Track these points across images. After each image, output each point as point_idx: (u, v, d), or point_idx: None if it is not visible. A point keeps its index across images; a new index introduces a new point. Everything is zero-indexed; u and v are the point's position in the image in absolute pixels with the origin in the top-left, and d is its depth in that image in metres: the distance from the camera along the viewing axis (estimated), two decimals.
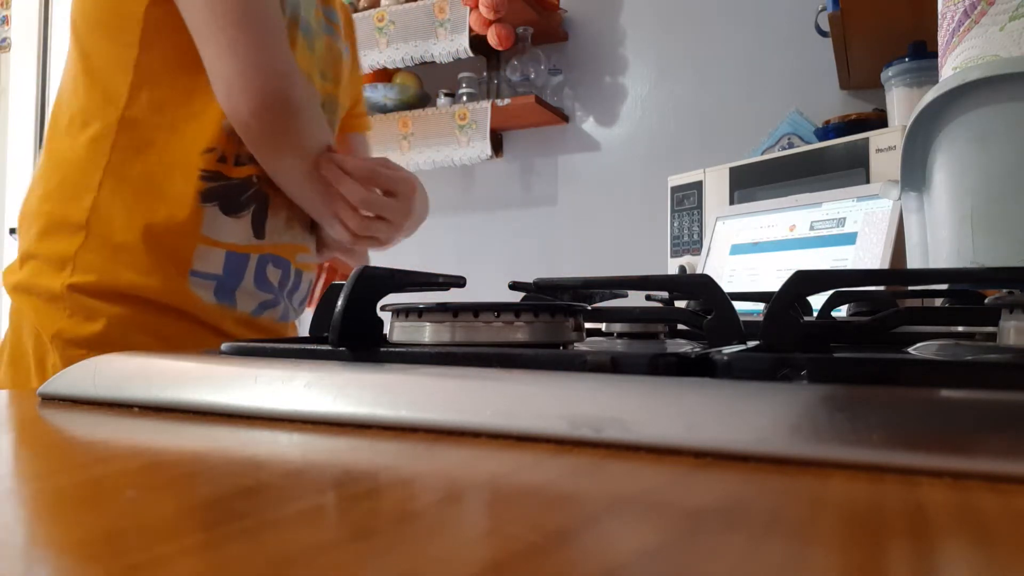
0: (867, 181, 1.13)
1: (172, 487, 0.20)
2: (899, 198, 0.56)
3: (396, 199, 0.79)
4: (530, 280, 0.46)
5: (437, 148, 2.06)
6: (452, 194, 2.24)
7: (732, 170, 1.36)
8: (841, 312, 0.58)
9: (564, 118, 2.10)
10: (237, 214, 0.77)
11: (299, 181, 0.78)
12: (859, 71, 1.61)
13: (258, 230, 0.79)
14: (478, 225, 2.21)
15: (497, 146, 2.14)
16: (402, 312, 0.39)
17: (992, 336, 0.38)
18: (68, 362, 0.68)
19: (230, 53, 0.70)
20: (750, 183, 1.33)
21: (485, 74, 2.15)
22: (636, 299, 0.61)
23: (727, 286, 1.23)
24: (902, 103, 1.29)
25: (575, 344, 0.40)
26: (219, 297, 0.77)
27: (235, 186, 0.77)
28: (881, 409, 0.23)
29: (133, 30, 0.74)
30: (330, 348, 0.36)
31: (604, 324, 0.53)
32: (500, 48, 1.99)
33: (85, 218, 0.74)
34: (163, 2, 0.73)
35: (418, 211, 0.84)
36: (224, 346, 0.41)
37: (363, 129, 1.04)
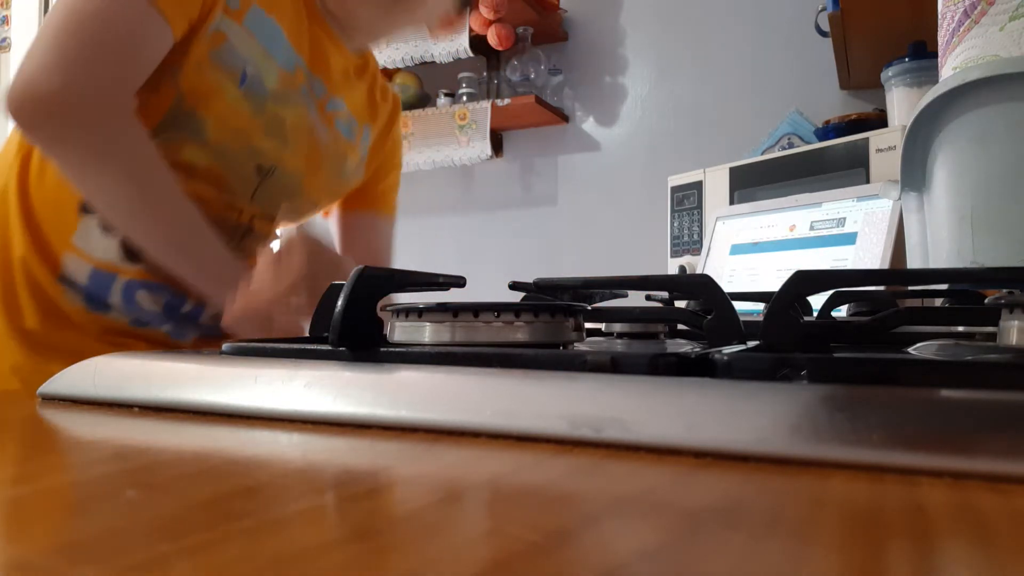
0: (867, 181, 1.13)
1: (172, 487, 0.20)
2: (899, 198, 0.56)
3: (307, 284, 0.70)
4: (530, 280, 0.46)
5: (437, 148, 2.06)
6: (452, 194, 2.24)
7: (732, 170, 1.36)
8: (841, 312, 0.58)
9: (564, 118, 2.10)
10: (112, 232, 0.74)
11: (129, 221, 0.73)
12: (859, 71, 1.62)
13: (131, 253, 0.74)
14: (478, 225, 2.21)
15: (497, 146, 2.14)
16: (402, 312, 0.39)
17: (992, 336, 0.38)
18: None
19: (33, 46, 0.68)
20: (750, 183, 1.33)
21: (485, 74, 2.15)
22: (636, 299, 0.61)
23: (727, 286, 1.23)
24: (902, 103, 1.29)
25: (575, 344, 0.40)
26: (89, 306, 0.75)
27: None
28: (881, 409, 0.23)
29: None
30: (330, 348, 0.36)
31: (604, 324, 0.53)
32: (500, 48, 1.99)
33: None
34: None
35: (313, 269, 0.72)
36: (224, 346, 0.41)
37: (378, 211, 0.98)
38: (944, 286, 0.50)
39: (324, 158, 0.86)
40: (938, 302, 0.62)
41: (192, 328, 0.80)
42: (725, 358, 0.29)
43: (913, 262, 0.56)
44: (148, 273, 0.75)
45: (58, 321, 0.74)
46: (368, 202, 0.98)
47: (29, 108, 0.67)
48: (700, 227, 1.41)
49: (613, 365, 0.30)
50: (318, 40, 0.85)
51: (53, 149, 0.70)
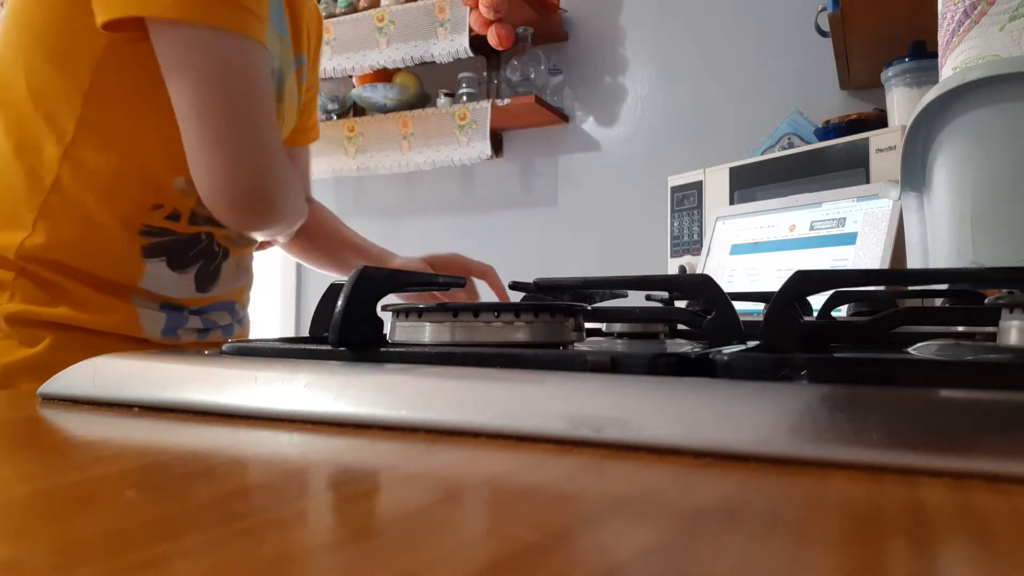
0: (867, 181, 1.13)
1: (172, 487, 0.20)
2: (899, 198, 0.56)
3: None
4: (530, 280, 0.46)
5: (437, 148, 2.06)
6: (452, 194, 2.24)
7: (732, 170, 1.36)
8: (841, 312, 0.58)
9: (564, 118, 2.10)
10: (183, 270, 0.75)
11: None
12: (859, 71, 1.62)
13: (201, 284, 0.77)
14: (478, 225, 2.21)
15: (497, 146, 2.14)
16: (402, 312, 0.39)
17: (992, 336, 0.38)
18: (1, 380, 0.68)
19: (213, 148, 0.66)
20: (750, 183, 1.33)
21: (485, 74, 2.15)
22: (636, 299, 0.61)
23: (727, 286, 1.23)
24: (902, 103, 1.29)
25: (575, 344, 0.40)
26: (164, 335, 0.76)
27: (183, 242, 0.75)
28: (881, 409, 0.23)
29: (86, 62, 0.68)
30: (330, 348, 0.36)
31: (604, 324, 0.53)
32: (500, 48, 1.99)
33: (13, 255, 0.69)
34: (129, 43, 0.67)
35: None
36: (224, 346, 0.41)
37: (311, 141, 1.00)
38: (944, 286, 0.50)
39: (296, 103, 0.88)
40: (938, 302, 0.62)
41: (237, 325, 0.87)
42: (725, 358, 0.29)
43: (913, 262, 0.56)
44: (215, 297, 0.80)
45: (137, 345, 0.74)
46: (304, 139, 0.98)
47: (258, 207, 0.68)
48: (700, 227, 1.41)
49: (613, 365, 0.30)
50: None
51: (265, 232, 0.77)
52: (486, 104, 2.00)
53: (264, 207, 0.69)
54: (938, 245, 0.51)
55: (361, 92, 2.15)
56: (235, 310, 0.84)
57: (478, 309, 0.37)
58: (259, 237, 0.83)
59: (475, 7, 1.95)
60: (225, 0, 0.64)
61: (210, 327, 0.80)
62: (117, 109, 0.69)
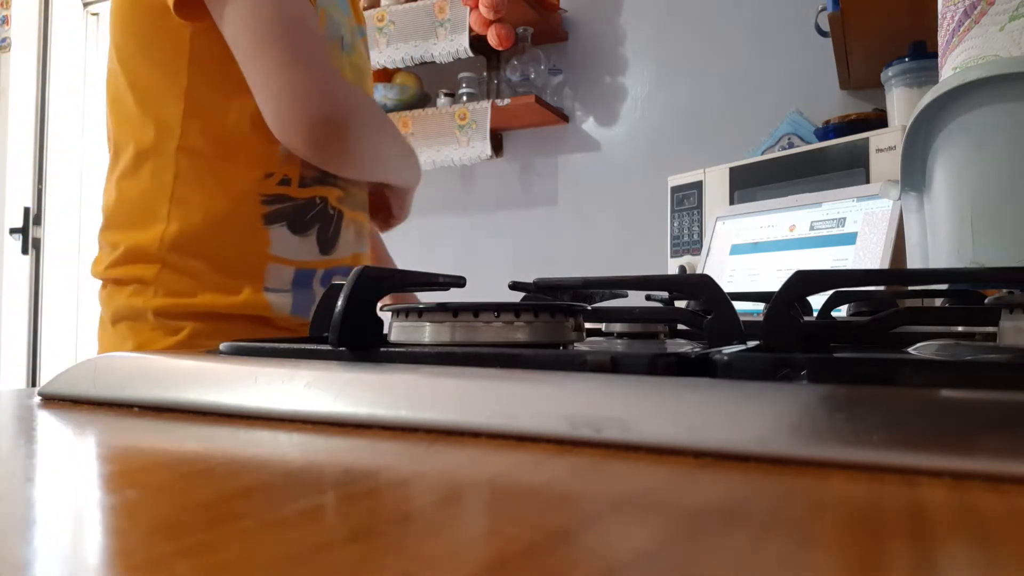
0: (867, 181, 1.13)
1: (172, 487, 0.20)
2: (899, 198, 0.56)
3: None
4: (530, 280, 0.46)
5: (437, 148, 2.06)
6: (452, 194, 2.24)
7: (732, 170, 1.36)
8: (841, 312, 0.58)
9: (564, 118, 2.10)
10: (304, 233, 0.80)
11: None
12: (859, 71, 1.61)
13: (324, 247, 0.82)
14: (478, 225, 2.21)
15: (497, 146, 2.14)
16: (402, 312, 0.39)
17: (992, 336, 0.38)
18: None
19: (276, 75, 0.70)
20: (750, 183, 1.33)
21: (485, 74, 2.15)
22: (636, 299, 0.61)
23: (727, 286, 1.23)
24: (902, 103, 1.29)
25: (575, 344, 0.40)
26: (295, 311, 0.80)
27: (300, 207, 0.80)
28: (881, 409, 0.23)
29: (181, 58, 0.75)
30: (330, 348, 0.36)
31: (604, 324, 0.53)
32: (500, 48, 1.99)
33: (156, 248, 0.76)
34: (207, 29, 0.73)
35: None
36: (223, 346, 0.41)
37: None
38: (944, 286, 0.50)
39: (369, 85, 0.93)
40: (938, 302, 0.62)
41: None
42: (725, 358, 0.29)
43: (913, 262, 0.56)
44: (338, 260, 0.83)
45: (266, 333, 0.79)
46: None
47: (330, 128, 0.71)
48: (700, 227, 1.41)
49: (613, 365, 0.30)
50: None
51: (346, 161, 0.77)
52: (486, 104, 2.00)
53: (334, 131, 0.71)
54: (938, 245, 0.51)
55: None
56: None
57: (478, 309, 0.37)
58: (343, 173, 0.81)
59: (475, 7, 1.95)
60: None
61: None
62: (214, 95, 0.75)
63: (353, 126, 0.73)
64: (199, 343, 0.74)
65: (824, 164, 1.21)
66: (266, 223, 0.78)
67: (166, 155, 0.76)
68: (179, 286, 0.76)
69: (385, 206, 0.97)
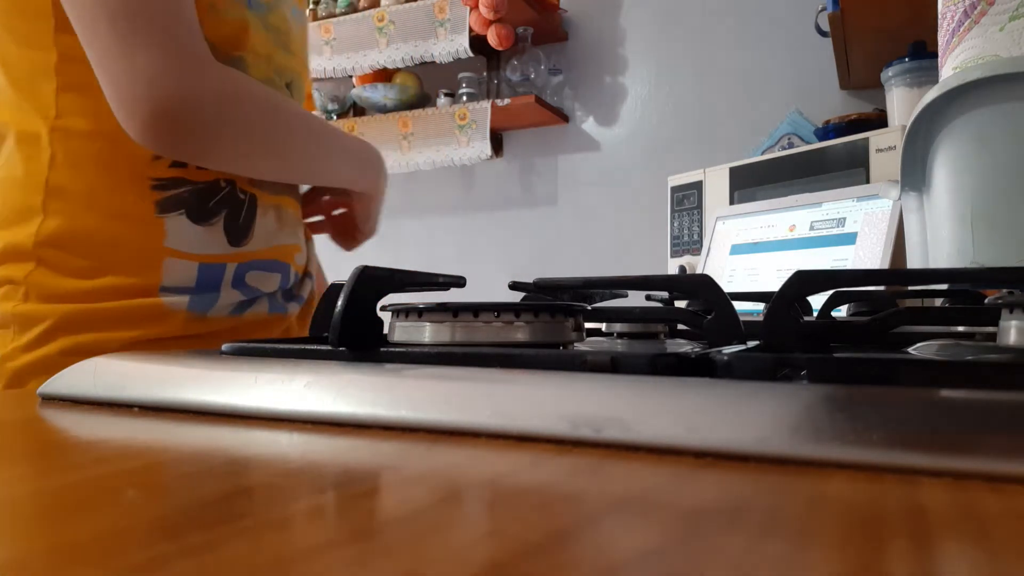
0: (867, 181, 1.13)
1: (172, 487, 0.20)
2: (899, 198, 0.56)
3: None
4: (530, 280, 0.46)
5: (437, 148, 2.06)
6: (452, 194, 2.24)
7: (732, 170, 1.37)
8: (841, 312, 0.58)
9: (564, 118, 2.10)
10: (207, 222, 0.69)
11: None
12: (859, 71, 1.62)
13: (233, 237, 0.71)
14: (478, 225, 2.21)
15: (497, 146, 2.14)
16: (402, 312, 0.39)
17: (992, 336, 0.38)
18: (11, 385, 0.64)
19: (116, 52, 0.59)
20: (750, 183, 1.33)
21: (485, 74, 2.15)
22: (636, 299, 0.61)
23: (727, 286, 1.23)
24: (902, 103, 1.29)
25: (575, 344, 0.40)
26: (192, 308, 0.69)
27: (200, 191, 0.68)
28: (881, 409, 0.23)
29: (45, 29, 0.65)
30: (330, 348, 0.36)
31: (604, 324, 0.53)
32: (500, 48, 1.99)
33: (32, 244, 0.65)
34: None
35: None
36: (224, 346, 0.41)
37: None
38: (944, 286, 0.50)
39: (304, 49, 0.81)
40: (938, 302, 0.62)
41: (293, 301, 0.78)
42: (725, 358, 0.29)
43: (913, 262, 0.56)
44: (255, 253, 0.72)
45: (148, 345, 0.68)
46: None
47: (166, 128, 0.60)
48: (700, 227, 1.41)
49: (613, 365, 0.30)
50: None
51: (206, 155, 0.65)
52: (486, 104, 2.00)
53: (183, 120, 0.60)
54: (938, 245, 0.51)
55: (361, 92, 2.15)
56: (285, 273, 0.75)
57: (478, 309, 0.37)
58: (210, 166, 0.68)
59: (475, 7, 1.95)
60: None
61: (253, 297, 0.72)
62: (87, 67, 0.63)
63: (214, 113, 0.62)
64: (70, 358, 0.51)
65: (824, 164, 1.21)
66: (160, 211, 0.66)
67: (40, 138, 0.66)
68: (54, 290, 0.65)
69: (350, 219, 0.86)
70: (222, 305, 0.70)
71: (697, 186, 1.42)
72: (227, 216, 0.70)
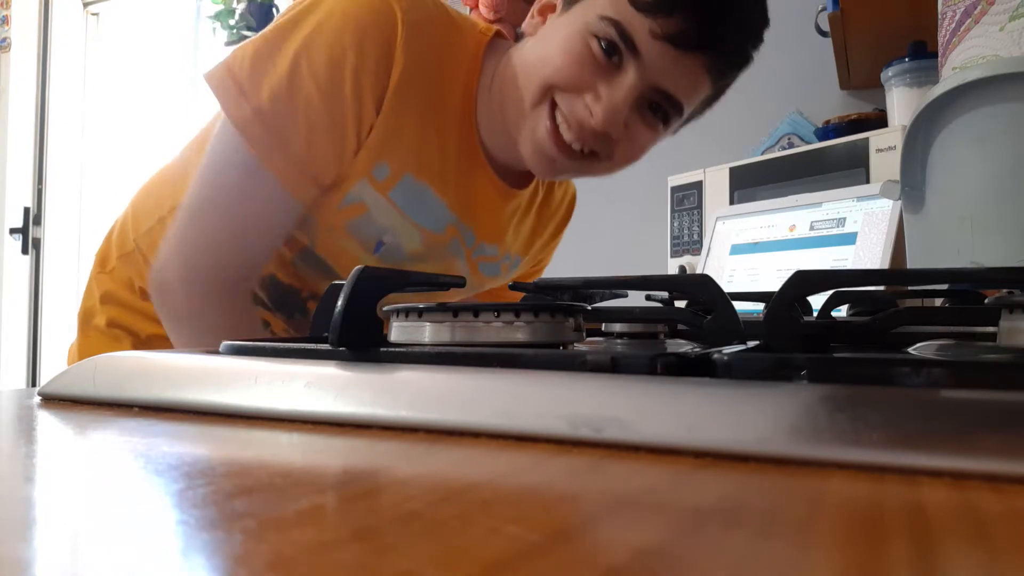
0: (867, 181, 1.13)
1: (172, 487, 0.20)
2: (899, 198, 0.56)
3: None
4: (530, 280, 0.46)
5: None
6: None
7: (732, 170, 1.37)
8: (841, 312, 0.58)
9: None
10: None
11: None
12: (859, 71, 1.61)
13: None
14: None
15: None
16: (402, 312, 0.39)
17: (992, 336, 0.38)
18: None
19: (184, 221, 0.72)
20: (750, 183, 1.33)
21: None
22: (636, 299, 0.61)
23: (727, 286, 1.23)
24: (902, 103, 1.29)
25: (575, 344, 0.40)
26: None
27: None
28: (881, 409, 0.23)
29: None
30: (330, 348, 0.36)
31: (604, 324, 0.53)
32: None
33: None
34: None
35: None
36: (223, 346, 0.41)
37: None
38: (944, 286, 0.50)
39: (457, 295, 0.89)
40: (938, 302, 0.62)
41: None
42: (725, 358, 0.29)
43: (913, 262, 0.56)
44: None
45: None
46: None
47: (155, 293, 0.74)
48: (700, 227, 1.41)
49: (613, 365, 0.30)
50: (478, 189, 0.82)
51: (171, 326, 0.74)
52: None
53: (165, 297, 0.73)
54: (938, 245, 0.51)
55: None
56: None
57: (478, 309, 0.37)
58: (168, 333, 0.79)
59: (475, 7, 1.94)
60: (276, 138, 0.68)
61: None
62: None
63: (179, 314, 0.73)
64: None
65: (824, 164, 1.21)
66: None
67: None
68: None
69: None
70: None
71: (697, 186, 1.42)
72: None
